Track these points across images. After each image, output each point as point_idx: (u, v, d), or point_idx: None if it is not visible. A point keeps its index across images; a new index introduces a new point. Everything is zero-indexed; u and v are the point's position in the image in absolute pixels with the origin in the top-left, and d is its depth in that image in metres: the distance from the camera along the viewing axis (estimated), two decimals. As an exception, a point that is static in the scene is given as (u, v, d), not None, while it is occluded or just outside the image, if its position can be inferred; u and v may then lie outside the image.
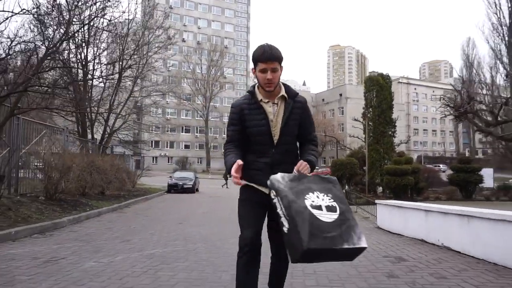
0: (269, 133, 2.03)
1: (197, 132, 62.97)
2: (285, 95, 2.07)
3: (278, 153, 2.02)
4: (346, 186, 12.83)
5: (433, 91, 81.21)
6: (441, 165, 47.11)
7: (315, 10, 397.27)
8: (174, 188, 19.23)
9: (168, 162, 58.84)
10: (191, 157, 60.48)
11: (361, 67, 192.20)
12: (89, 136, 14.74)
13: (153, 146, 54.55)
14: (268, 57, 1.95)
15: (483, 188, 15.93)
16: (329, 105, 64.98)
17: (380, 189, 15.28)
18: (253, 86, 2.13)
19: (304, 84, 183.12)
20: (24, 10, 6.18)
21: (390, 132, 15.65)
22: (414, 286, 2.87)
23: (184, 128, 62.65)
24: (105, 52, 13.48)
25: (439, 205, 5.30)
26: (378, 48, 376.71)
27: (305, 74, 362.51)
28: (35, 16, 6.39)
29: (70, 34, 7.73)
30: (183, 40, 61.52)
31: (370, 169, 14.98)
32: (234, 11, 70.65)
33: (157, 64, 18.05)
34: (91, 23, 9.35)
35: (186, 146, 63.34)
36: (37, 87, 6.82)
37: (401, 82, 77.43)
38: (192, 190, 19.61)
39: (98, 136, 15.46)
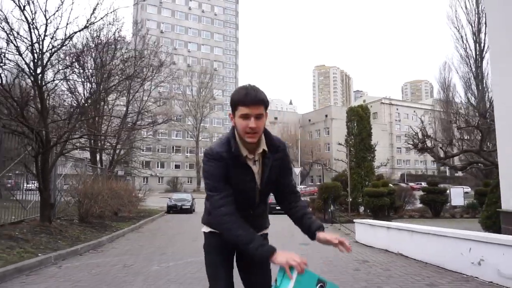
0: (253, 196, 1.73)
1: (187, 152, 64.31)
2: (266, 148, 1.69)
3: (256, 214, 1.77)
4: (332, 206, 14.58)
5: (414, 111, 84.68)
6: (422, 183, 49.47)
7: (301, 31, 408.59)
8: (173, 209, 20.63)
9: (159, 182, 59.74)
10: (182, 176, 61.68)
11: (345, 87, 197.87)
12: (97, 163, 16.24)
13: (144, 166, 55.68)
14: (252, 100, 1.56)
15: (456, 207, 17.89)
16: (315, 126, 67.44)
17: (362, 208, 17.07)
18: (233, 137, 1.67)
19: (290, 103, 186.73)
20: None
21: (369, 157, 17.60)
22: (369, 274, 4.61)
23: (174, 148, 63.93)
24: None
25: (396, 223, 7.08)
26: (362, 68, 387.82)
27: (291, 93, 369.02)
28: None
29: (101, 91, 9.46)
30: (173, 63, 63.73)
31: (352, 190, 16.81)
32: (223, 35, 73.41)
33: (151, 88, 19.46)
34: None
35: (177, 166, 64.47)
36: (77, 135, 8.45)
37: (383, 103, 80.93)
38: (190, 210, 21.01)
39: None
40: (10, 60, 6.10)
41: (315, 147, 61.61)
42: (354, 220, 9.33)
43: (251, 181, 1.69)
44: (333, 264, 5.45)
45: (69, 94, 9.24)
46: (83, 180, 9.82)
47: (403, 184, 52.53)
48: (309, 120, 69.11)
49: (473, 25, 27.70)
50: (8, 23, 6.11)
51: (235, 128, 1.65)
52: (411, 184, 51.60)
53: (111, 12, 8.13)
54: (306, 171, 56.12)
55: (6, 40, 5.96)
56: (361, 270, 5.00)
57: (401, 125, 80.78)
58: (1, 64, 5.87)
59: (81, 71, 8.85)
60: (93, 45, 8.60)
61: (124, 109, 16.65)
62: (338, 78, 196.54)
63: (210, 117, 63.89)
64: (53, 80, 7.40)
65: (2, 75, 6.75)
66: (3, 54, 5.80)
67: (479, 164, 13.47)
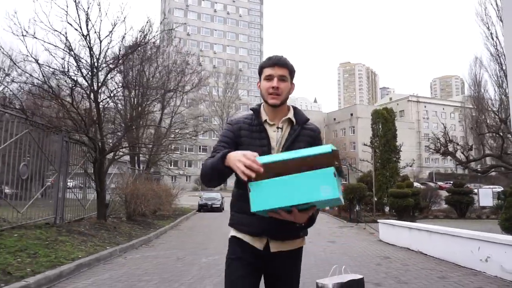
0: None
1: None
2: (293, 118, 1.64)
3: None
4: (357, 206, 15.15)
5: (443, 108, 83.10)
6: (451, 182, 48.42)
7: (326, 29, 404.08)
8: (204, 208, 21.73)
9: (187, 180, 61.56)
10: (209, 175, 63.13)
11: (371, 84, 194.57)
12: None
13: (172, 166, 57.74)
14: (275, 61, 1.59)
15: (485, 207, 17.97)
16: (340, 124, 67.29)
17: (387, 208, 17.50)
18: (258, 105, 1.71)
19: (315, 101, 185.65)
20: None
21: (394, 158, 17.97)
22: (388, 268, 5.30)
23: (201, 148, 65.64)
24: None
25: (417, 224, 7.68)
26: (388, 64, 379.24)
27: (316, 91, 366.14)
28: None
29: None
30: (200, 65, 65.51)
31: (377, 191, 17.28)
32: (248, 36, 74.46)
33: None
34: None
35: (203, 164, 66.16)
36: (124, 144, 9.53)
37: (410, 100, 79.51)
38: (220, 209, 22.02)
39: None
40: (76, 82, 7.15)
41: (340, 146, 61.47)
42: (378, 220, 9.94)
43: (265, 146, 1.57)
44: (357, 260, 6.16)
45: (115, 108, 10.36)
46: (127, 181, 10.95)
47: (431, 183, 51.85)
48: (334, 119, 69.01)
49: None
50: (73, 51, 7.16)
51: (260, 94, 1.65)
52: (440, 183, 50.74)
53: (165, 31, 9.08)
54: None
55: (76, 65, 7.02)
56: (382, 265, 5.70)
57: (430, 123, 79.10)
58: (73, 87, 6.93)
59: (126, 91, 9.91)
60: (138, 62, 9.63)
61: (158, 113, 17.83)
62: (364, 75, 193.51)
63: (236, 116, 65.22)
64: (110, 97, 8.46)
65: (68, 94, 7.91)
66: (73, 76, 6.85)
67: (501, 168, 13.66)
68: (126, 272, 4.85)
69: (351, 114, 64.52)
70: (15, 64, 7.57)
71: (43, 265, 4.24)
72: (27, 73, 6.87)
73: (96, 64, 7.90)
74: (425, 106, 79.64)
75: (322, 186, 1.27)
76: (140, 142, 11.04)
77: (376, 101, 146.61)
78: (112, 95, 8.60)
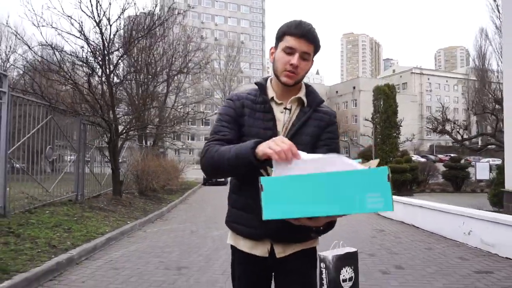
0: None
1: (216, 125, 66.38)
2: (304, 98, 1.38)
3: None
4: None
5: (447, 81, 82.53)
6: (452, 155, 49.08)
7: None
8: (208, 182, 22.50)
9: (190, 154, 62.41)
10: (211, 149, 63.92)
11: (375, 55, 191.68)
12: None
13: (175, 139, 58.48)
14: (304, 32, 1.25)
15: (481, 180, 18.61)
16: (342, 97, 67.25)
17: (386, 182, 18.19)
18: (265, 79, 1.45)
19: (317, 73, 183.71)
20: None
21: (394, 134, 18.47)
22: (383, 241, 5.92)
23: (203, 121, 66.06)
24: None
25: (411, 199, 8.26)
26: (392, 35, 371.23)
27: (318, 62, 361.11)
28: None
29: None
30: (201, 37, 64.74)
31: (378, 165, 17.95)
32: (250, 7, 73.00)
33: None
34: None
35: (206, 139, 66.77)
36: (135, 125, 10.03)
37: (414, 73, 78.87)
38: (224, 183, 22.76)
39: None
40: (93, 69, 7.55)
41: (342, 119, 61.81)
42: (376, 195, 10.58)
43: (270, 129, 1.32)
44: (355, 233, 6.74)
45: (125, 90, 10.77)
46: (138, 158, 11.53)
47: (431, 156, 52.51)
48: (337, 92, 68.89)
49: (509, -6, 26.80)
50: (87, 38, 7.51)
51: (273, 65, 1.35)
52: (440, 156, 51.39)
53: (178, 13, 9.37)
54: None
55: (90, 51, 7.40)
56: (377, 237, 6.33)
57: (432, 95, 78.88)
58: (90, 73, 7.34)
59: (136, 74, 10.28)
60: (147, 44, 9.95)
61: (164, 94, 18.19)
62: (367, 46, 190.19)
63: (237, 91, 65.24)
64: (122, 81, 8.87)
65: (81, 77, 8.33)
66: (91, 63, 7.26)
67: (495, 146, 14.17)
68: (149, 244, 5.48)
69: (354, 87, 64.36)
70: (30, 49, 7.90)
71: (79, 239, 4.86)
72: (45, 59, 7.25)
73: (108, 48, 8.25)
74: (428, 79, 79.11)
75: (370, 193, 0.92)
76: (150, 124, 11.52)
77: (379, 73, 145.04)
78: (123, 79, 8.98)
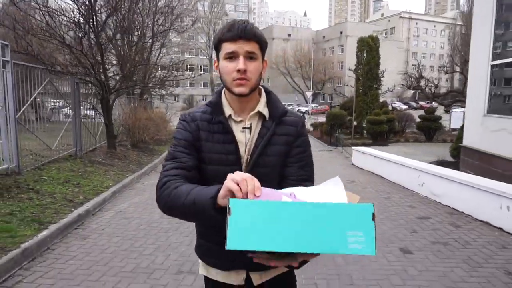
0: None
1: (201, 71, 65.35)
2: (264, 111, 1.21)
3: None
4: (337, 132, 16.74)
5: (434, 26, 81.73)
6: (433, 103, 50.46)
7: None
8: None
9: (175, 100, 62.16)
10: (197, 95, 63.76)
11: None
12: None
13: (160, 86, 57.81)
14: (239, 33, 1.09)
15: (455, 129, 19.86)
16: (329, 43, 66.35)
17: (366, 132, 19.26)
18: (219, 92, 1.26)
19: (305, 15, 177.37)
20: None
21: (375, 86, 19.15)
22: (350, 190, 6.88)
23: (188, 67, 64.89)
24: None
25: (380, 152, 9.19)
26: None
27: (305, 3, 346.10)
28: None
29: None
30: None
31: (358, 116, 18.84)
32: None
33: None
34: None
35: (191, 85, 66.08)
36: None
37: (402, 17, 77.58)
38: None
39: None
40: (86, 32, 7.78)
41: (328, 65, 61.63)
42: (352, 147, 11.53)
43: (231, 153, 1.18)
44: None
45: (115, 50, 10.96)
46: (126, 111, 12.05)
47: (413, 103, 53.80)
48: (323, 37, 67.72)
49: None
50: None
51: (221, 80, 1.19)
52: (422, 103, 52.74)
53: None
54: (318, 90, 57.25)
55: (78, 11, 7.60)
56: (348, 188, 7.25)
57: (419, 41, 78.53)
58: (83, 36, 7.60)
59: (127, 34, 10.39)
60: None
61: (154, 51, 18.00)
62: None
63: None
64: (112, 40, 9.10)
65: (71, 37, 8.55)
66: (79, 24, 7.50)
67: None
68: (149, 196, 6.29)
69: (341, 32, 63.30)
70: (15, 4, 8.00)
71: (90, 193, 5.62)
72: (42, 22, 7.45)
73: (94, 6, 8.38)
74: (416, 23, 78.15)
75: (352, 232, 0.81)
76: (139, 82, 11.89)
77: (368, 16, 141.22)
78: (111, 38, 9.21)
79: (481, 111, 7.62)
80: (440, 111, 19.75)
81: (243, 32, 1.10)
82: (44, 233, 3.73)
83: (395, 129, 17.89)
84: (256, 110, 1.22)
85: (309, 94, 27.58)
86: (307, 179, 1.26)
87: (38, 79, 6.72)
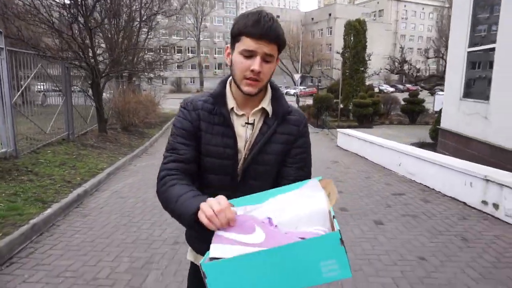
0: (232, 171, 1.19)
1: (189, 53, 64.54)
2: (268, 108, 1.20)
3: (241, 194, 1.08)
4: (324, 114, 17.15)
5: (423, 8, 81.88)
6: (418, 87, 51.10)
7: None
8: (185, 113, 23.37)
9: (163, 83, 61.53)
10: (185, 77, 63.18)
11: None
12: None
13: (148, 69, 57.10)
14: (265, 31, 1.05)
15: (438, 112, 20.48)
16: (318, 25, 66.10)
17: (352, 115, 19.73)
18: (223, 83, 1.24)
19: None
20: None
21: (362, 69, 19.52)
22: (334, 171, 7.33)
23: (176, 49, 64.01)
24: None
25: (364, 135, 9.61)
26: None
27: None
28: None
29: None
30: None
31: (344, 98, 19.25)
32: None
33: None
34: None
35: (179, 67, 65.32)
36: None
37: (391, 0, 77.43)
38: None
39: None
40: (76, 18, 7.87)
41: (316, 48, 61.58)
42: (337, 130, 11.95)
43: (230, 147, 1.18)
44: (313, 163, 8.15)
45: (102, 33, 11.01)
46: (117, 96, 12.19)
47: (400, 86, 54.45)
48: (312, 19, 67.37)
49: None
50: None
51: (231, 70, 1.15)
52: (408, 85, 53.46)
53: None
54: (306, 72, 57.36)
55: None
56: (331, 168, 7.73)
57: (408, 24, 78.68)
58: (73, 22, 7.69)
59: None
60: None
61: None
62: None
63: (210, 16, 62.52)
64: (101, 24, 9.17)
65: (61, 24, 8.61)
66: (68, 8, 7.59)
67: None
68: (143, 177, 6.60)
69: (330, 14, 63.04)
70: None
71: (86, 175, 5.90)
72: (31, 6, 7.51)
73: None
74: (405, 6, 78.14)
75: (324, 262, 0.83)
76: (127, 68, 12.01)
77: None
78: (100, 23, 9.29)
79: (458, 96, 8.06)
80: (424, 94, 20.29)
81: (268, 31, 1.05)
82: (49, 211, 4.04)
83: (380, 111, 18.40)
84: (260, 107, 1.20)
85: (297, 76, 27.81)
86: (305, 180, 1.20)
87: (29, 65, 6.86)
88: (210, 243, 0.88)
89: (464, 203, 4.83)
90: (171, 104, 24.92)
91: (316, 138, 13.58)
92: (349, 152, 10.03)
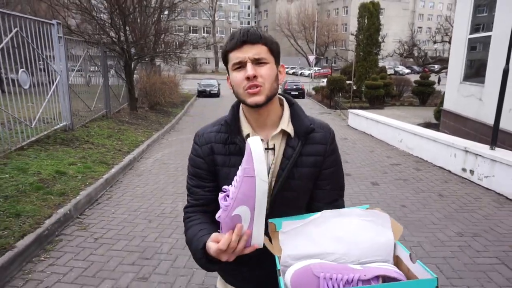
0: None
1: (204, 33, 64.87)
2: (288, 129, 1.09)
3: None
4: (336, 96, 17.91)
5: (443, -14, 79.52)
6: (436, 66, 50.53)
7: None
8: (203, 94, 24.27)
9: (178, 63, 62.37)
10: (200, 57, 63.65)
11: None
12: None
13: (163, 48, 57.95)
14: (243, 39, 1.00)
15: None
16: (333, 4, 65.31)
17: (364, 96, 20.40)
18: (235, 108, 1.14)
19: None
20: None
21: (375, 51, 20.02)
22: (342, 146, 8.27)
23: (191, 28, 64.39)
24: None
25: (371, 114, 10.46)
26: None
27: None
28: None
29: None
30: None
31: (357, 80, 19.89)
32: None
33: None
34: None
35: (194, 47, 65.73)
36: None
37: (410, -23, 75.32)
38: (217, 95, 24.61)
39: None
40: (116, 8, 8.85)
41: (332, 28, 61.09)
42: (349, 110, 12.79)
43: None
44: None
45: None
46: (144, 78, 13.26)
47: (416, 67, 53.94)
48: (328, -2, 66.51)
49: None
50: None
51: (234, 91, 1.07)
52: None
53: None
54: (321, 53, 57.27)
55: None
56: (340, 143, 8.65)
57: (426, 2, 76.66)
58: (113, 11, 8.68)
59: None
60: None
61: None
62: None
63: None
64: (134, 12, 10.14)
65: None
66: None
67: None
68: (176, 149, 7.68)
69: (346, -7, 62.13)
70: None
71: (130, 145, 7.02)
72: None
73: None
74: (424, -17, 76.01)
75: None
76: (159, 52, 13.02)
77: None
78: (132, 11, 10.27)
79: (458, 79, 8.80)
80: (434, 77, 20.73)
81: (245, 36, 0.99)
82: (113, 170, 5.16)
83: (392, 93, 19.03)
84: (279, 129, 1.07)
85: (311, 58, 28.31)
86: (338, 199, 1.16)
87: (77, 50, 7.92)
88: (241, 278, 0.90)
89: (449, 171, 5.75)
90: (187, 85, 25.97)
91: (329, 118, 14.45)
92: (358, 131, 10.91)
